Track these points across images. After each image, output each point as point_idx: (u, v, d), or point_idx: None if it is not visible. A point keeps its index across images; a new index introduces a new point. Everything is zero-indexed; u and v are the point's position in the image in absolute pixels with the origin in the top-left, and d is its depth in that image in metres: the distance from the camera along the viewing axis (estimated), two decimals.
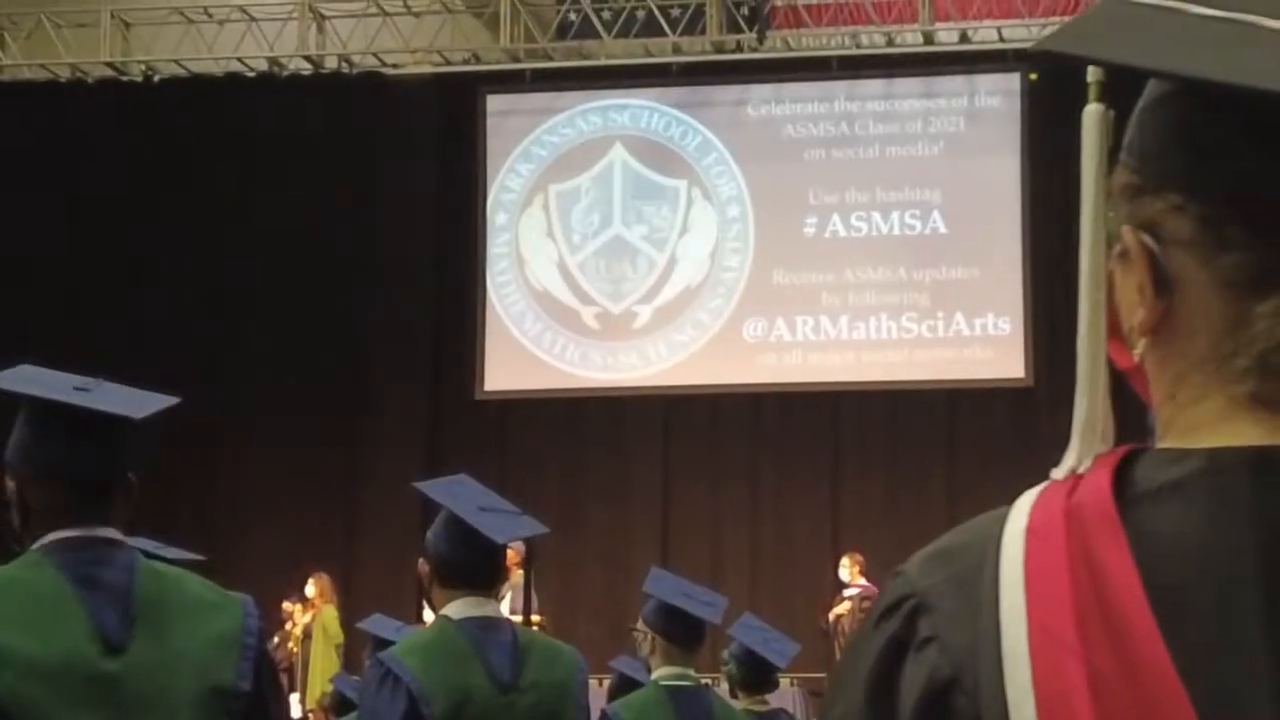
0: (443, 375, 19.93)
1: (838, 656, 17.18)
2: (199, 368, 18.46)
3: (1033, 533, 1.29)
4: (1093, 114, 1.34)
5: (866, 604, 17.25)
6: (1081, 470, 1.33)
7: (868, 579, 17.59)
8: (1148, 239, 1.32)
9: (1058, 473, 1.34)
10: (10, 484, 3.40)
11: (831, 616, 17.50)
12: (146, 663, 3.26)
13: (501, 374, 19.81)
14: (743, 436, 19.47)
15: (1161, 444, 1.32)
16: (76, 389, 3.42)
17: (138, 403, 3.44)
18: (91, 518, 3.35)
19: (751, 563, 19.00)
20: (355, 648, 16.51)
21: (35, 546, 3.35)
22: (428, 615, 16.15)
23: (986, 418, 19.05)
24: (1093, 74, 1.34)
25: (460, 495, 4.93)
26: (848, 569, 17.65)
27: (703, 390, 19.47)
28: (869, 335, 19.40)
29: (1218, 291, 1.29)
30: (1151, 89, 1.34)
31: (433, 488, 5.03)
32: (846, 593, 17.57)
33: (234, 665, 3.36)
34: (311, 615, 17.11)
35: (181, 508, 18.10)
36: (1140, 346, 1.35)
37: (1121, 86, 1.37)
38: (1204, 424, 1.30)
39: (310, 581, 17.18)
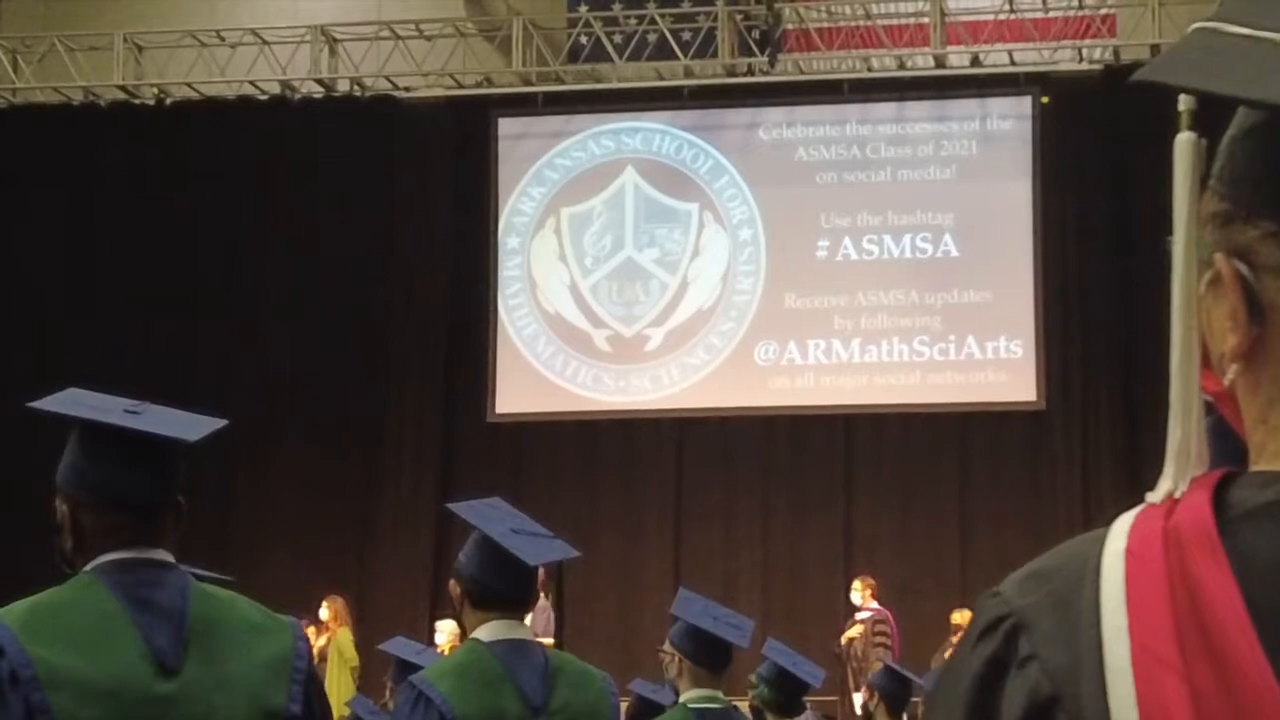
0: (455, 398, 19.94)
1: (850, 680, 17.16)
2: (211, 390, 18.44)
3: (1132, 554, 1.31)
4: (1185, 142, 1.36)
5: (879, 627, 17.26)
6: (1178, 494, 1.34)
7: (880, 602, 17.58)
8: (1240, 266, 1.33)
9: (1154, 496, 1.35)
10: (62, 507, 3.42)
11: (844, 640, 17.47)
12: (199, 685, 3.28)
13: (513, 397, 19.82)
14: (754, 459, 19.47)
15: (1254, 468, 1.34)
16: (127, 411, 3.44)
17: (190, 426, 3.47)
18: (143, 540, 3.37)
19: (763, 585, 19.00)
20: (369, 670, 16.53)
21: (87, 568, 3.36)
22: (438, 638, 16.22)
23: (999, 441, 19.05)
24: (1184, 102, 1.35)
25: (492, 517, 4.94)
26: (860, 592, 17.62)
27: (714, 413, 19.48)
28: (881, 358, 19.41)
29: None
30: (1243, 117, 1.36)
31: (465, 509, 5.03)
32: (859, 616, 17.54)
33: (285, 688, 3.38)
34: (326, 638, 17.09)
35: (196, 530, 18.07)
36: (1231, 372, 1.36)
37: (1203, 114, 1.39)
38: None
39: (324, 604, 17.17)
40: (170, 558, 3.41)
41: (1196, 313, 1.36)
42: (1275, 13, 1.32)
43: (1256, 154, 1.34)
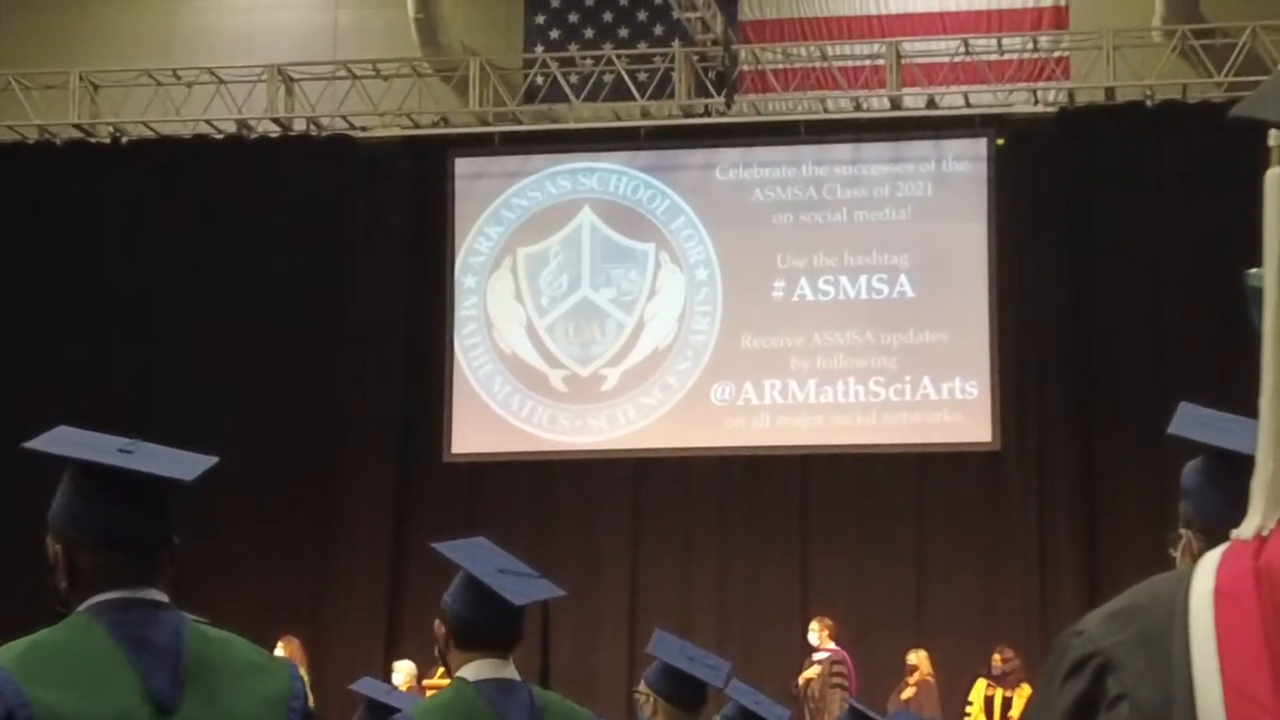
0: (411, 437, 19.89)
1: None
2: (166, 431, 18.29)
3: (1221, 593, 1.29)
4: (1276, 177, 1.35)
5: (837, 668, 17.26)
6: (1265, 532, 1.33)
7: (836, 643, 17.58)
8: None
9: (1242, 532, 1.34)
10: (55, 547, 3.38)
11: (801, 680, 17.47)
12: None
13: (470, 437, 19.79)
14: (711, 499, 19.46)
15: None
16: (121, 451, 3.41)
17: (184, 465, 3.45)
18: (139, 580, 3.34)
19: (720, 625, 18.95)
20: (323, 711, 16.41)
21: (82, 608, 3.33)
22: (395, 678, 16.15)
23: (954, 481, 19.09)
24: (1274, 138, 1.34)
25: (478, 556, 4.93)
26: (817, 633, 17.63)
27: (671, 453, 19.48)
28: (837, 399, 19.44)
29: None
30: None
31: (450, 549, 5.02)
32: (816, 656, 17.55)
33: None
34: None
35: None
36: None
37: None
38: None
39: (280, 645, 17.07)
40: (165, 597, 3.38)
41: None
42: None
43: None
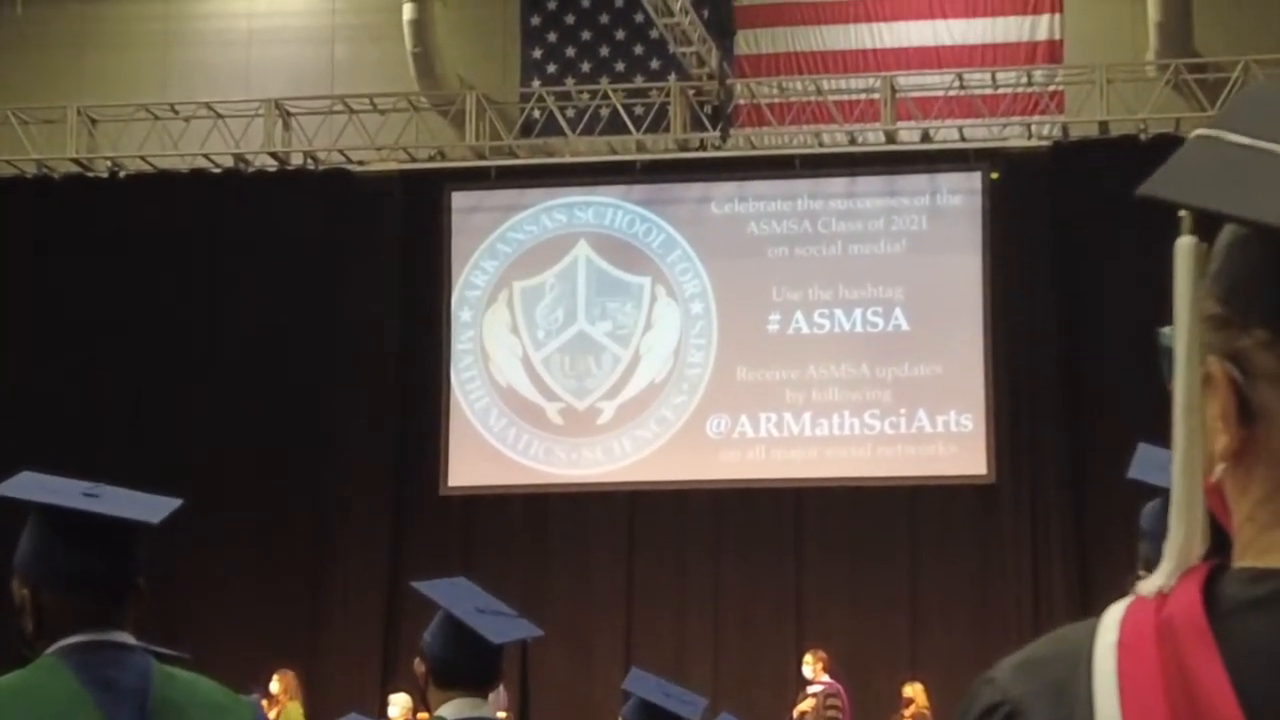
0: (407, 471, 19.91)
1: None
2: (162, 464, 18.37)
3: (1124, 646, 1.33)
4: (1185, 247, 1.36)
5: (831, 700, 17.24)
6: (1167, 589, 1.37)
7: (831, 676, 17.57)
8: (1233, 370, 1.35)
9: (1145, 588, 1.37)
10: (22, 590, 3.42)
11: (795, 713, 17.45)
12: None
13: (466, 470, 19.81)
14: (706, 533, 19.47)
15: (1240, 563, 1.36)
16: (86, 495, 3.45)
17: (150, 507, 3.49)
18: (106, 622, 3.38)
19: (715, 659, 18.97)
20: None
21: (49, 651, 3.36)
22: (391, 711, 16.15)
23: (949, 514, 19.10)
24: (1184, 212, 1.36)
25: (457, 596, 4.97)
26: (811, 665, 17.61)
27: (666, 486, 19.49)
28: (832, 432, 19.46)
29: None
30: (1240, 225, 1.37)
31: (430, 588, 5.06)
32: (810, 689, 17.53)
33: None
34: (276, 712, 16.99)
35: (146, 604, 17.94)
36: (1219, 470, 1.37)
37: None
38: None
39: (275, 678, 17.09)
40: (131, 639, 3.42)
41: (1199, 413, 1.36)
42: (1274, 121, 1.33)
43: (1253, 262, 1.35)
